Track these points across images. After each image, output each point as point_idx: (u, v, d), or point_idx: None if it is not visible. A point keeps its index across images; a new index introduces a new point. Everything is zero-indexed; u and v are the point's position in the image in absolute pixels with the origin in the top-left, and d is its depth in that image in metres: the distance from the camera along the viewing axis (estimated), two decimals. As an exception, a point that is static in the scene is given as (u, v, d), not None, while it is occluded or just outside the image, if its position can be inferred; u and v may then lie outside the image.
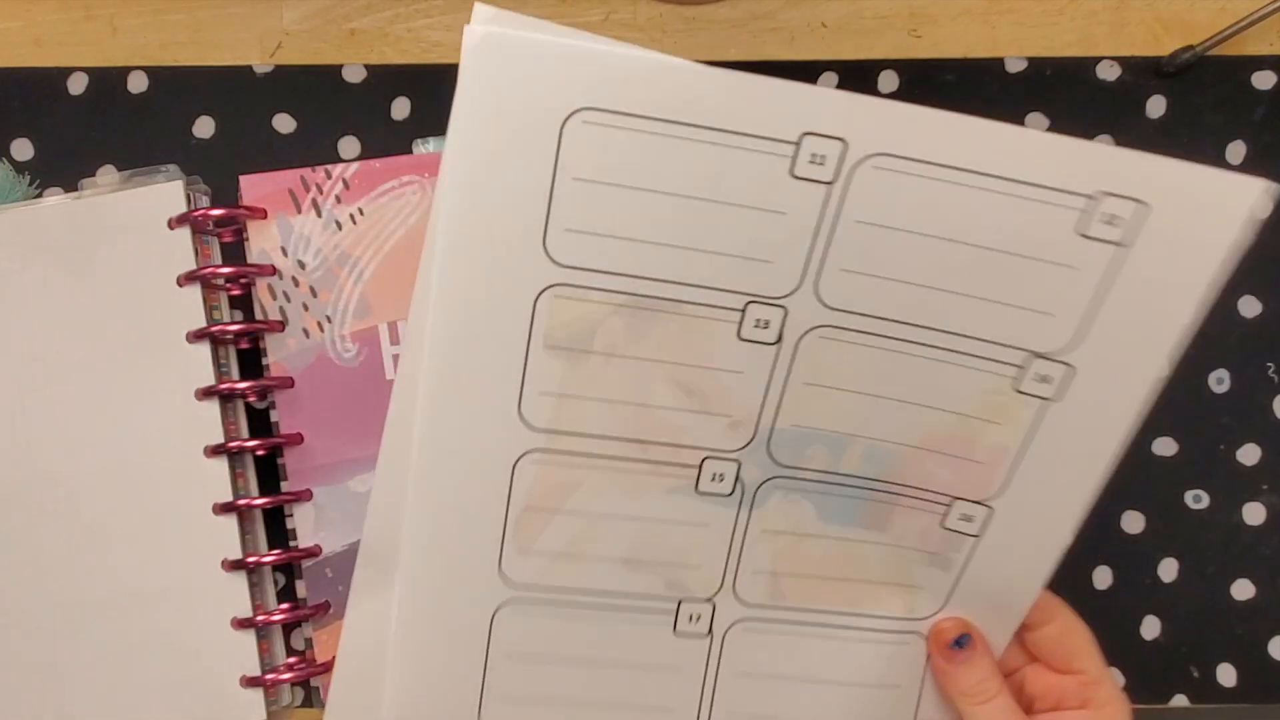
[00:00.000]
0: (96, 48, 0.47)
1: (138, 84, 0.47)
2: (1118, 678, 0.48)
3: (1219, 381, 0.49)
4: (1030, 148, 0.31)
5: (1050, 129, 0.49)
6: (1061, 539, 0.37)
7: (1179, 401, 0.49)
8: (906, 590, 0.38)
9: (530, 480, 0.35)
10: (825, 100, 0.31)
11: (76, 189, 0.44)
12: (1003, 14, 0.49)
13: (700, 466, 0.36)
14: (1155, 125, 0.49)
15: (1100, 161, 0.32)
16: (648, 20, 0.49)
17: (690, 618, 0.37)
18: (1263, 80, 0.49)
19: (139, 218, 0.43)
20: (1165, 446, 0.49)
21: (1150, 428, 0.49)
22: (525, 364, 0.34)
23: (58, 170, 0.47)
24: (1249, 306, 0.49)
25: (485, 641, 0.37)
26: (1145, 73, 0.49)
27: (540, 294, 0.33)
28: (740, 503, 0.36)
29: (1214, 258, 0.33)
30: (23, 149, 0.47)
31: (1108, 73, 0.49)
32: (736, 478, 0.36)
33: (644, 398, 0.35)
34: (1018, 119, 0.49)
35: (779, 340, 0.34)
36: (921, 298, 0.33)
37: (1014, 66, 0.49)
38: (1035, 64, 0.49)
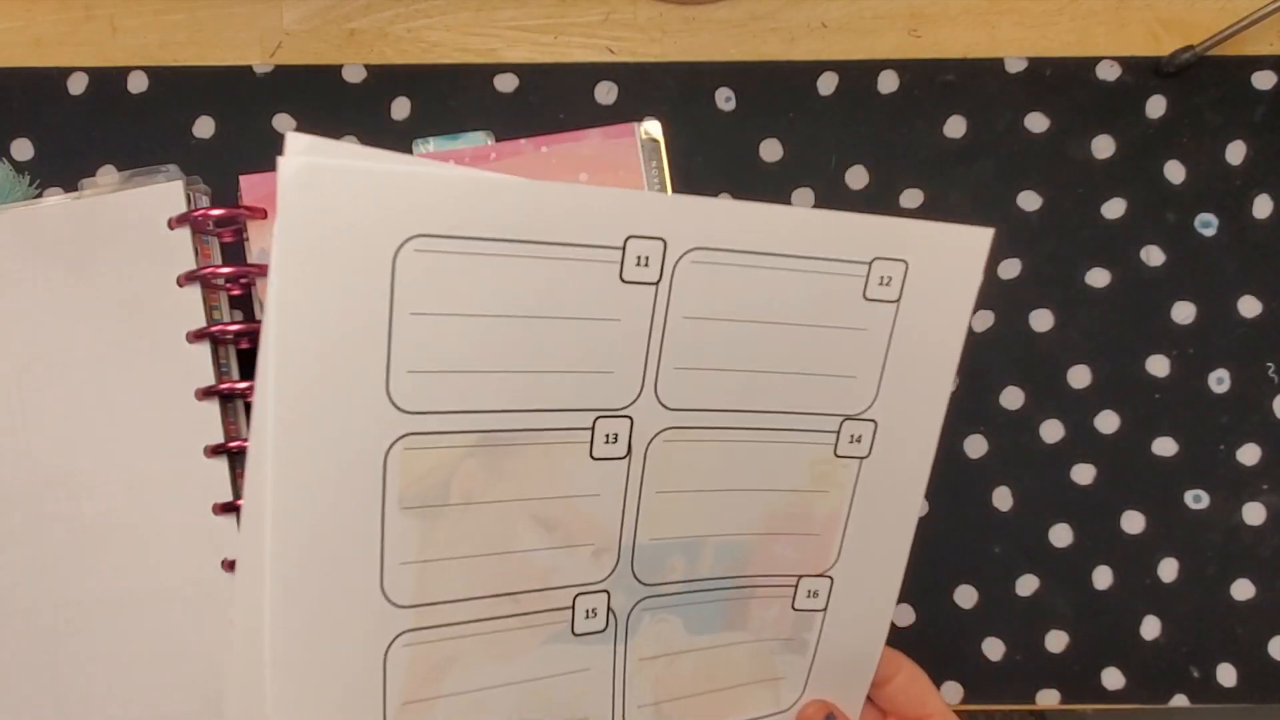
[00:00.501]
0: (96, 48, 0.47)
1: (138, 84, 0.47)
2: (1117, 678, 0.48)
3: (1219, 381, 0.49)
4: (816, 226, 0.34)
5: (1050, 129, 0.49)
6: (892, 591, 0.38)
7: (1179, 401, 0.49)
8: (771, 684, 0.39)
9: (404, 670, 0.33)
10: (643, 203, 0.32)
11: (76, 189, 0.44)
12: (1003, 14, 0.49)
13: (573, 605, 0.35)
14: (1155, 125, 0.49)
15: (870, 230, 0.34)
16: (648, 20, 0.49)
17: None
18: (1263, 80, 0.49)
19: (139, 218, 0.43)
20: (1165, 446, 0.49)
21: (1150, 428, 0.49)
22: (382, 532, 0.31)
23: (58, 170, 0.47)
24: (1249, 306, 0.49)
25: None
26: (1145, 73, 0.49)
27: (390, 448, 0.31)
28: (615, 636, 0.36)
29: (965, 299, 0.36)
30: (23, 149, 0.47)
31: (1108, 73, 0.49)
32: (608, 609, 0.36)
33: (507, 544, 0.33)
34: (1018, 119, 0.49)
35: (628, 453, 0.34)
36: (747, 383, 0.34)
37: (1014, 66, 0.49)
38: (1035, 64, 0.49)
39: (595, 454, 0.33)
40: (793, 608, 0.38)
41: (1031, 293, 0.49)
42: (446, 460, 0.32)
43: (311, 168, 0.28)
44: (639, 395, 0.33)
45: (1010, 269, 0.49)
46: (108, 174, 0.46)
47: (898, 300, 0.35)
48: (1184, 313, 0.49)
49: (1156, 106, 0.49)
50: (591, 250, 0.31)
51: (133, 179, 0.44)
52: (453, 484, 0.32)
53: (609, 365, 0.32)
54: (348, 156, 0.28)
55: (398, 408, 0.30)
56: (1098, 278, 0.49)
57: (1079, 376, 0.49)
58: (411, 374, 0.30)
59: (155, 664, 0.43)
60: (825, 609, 0.38)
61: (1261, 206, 0.49)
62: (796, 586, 0.38)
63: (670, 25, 0.49)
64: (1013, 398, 0.48)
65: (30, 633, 0.42)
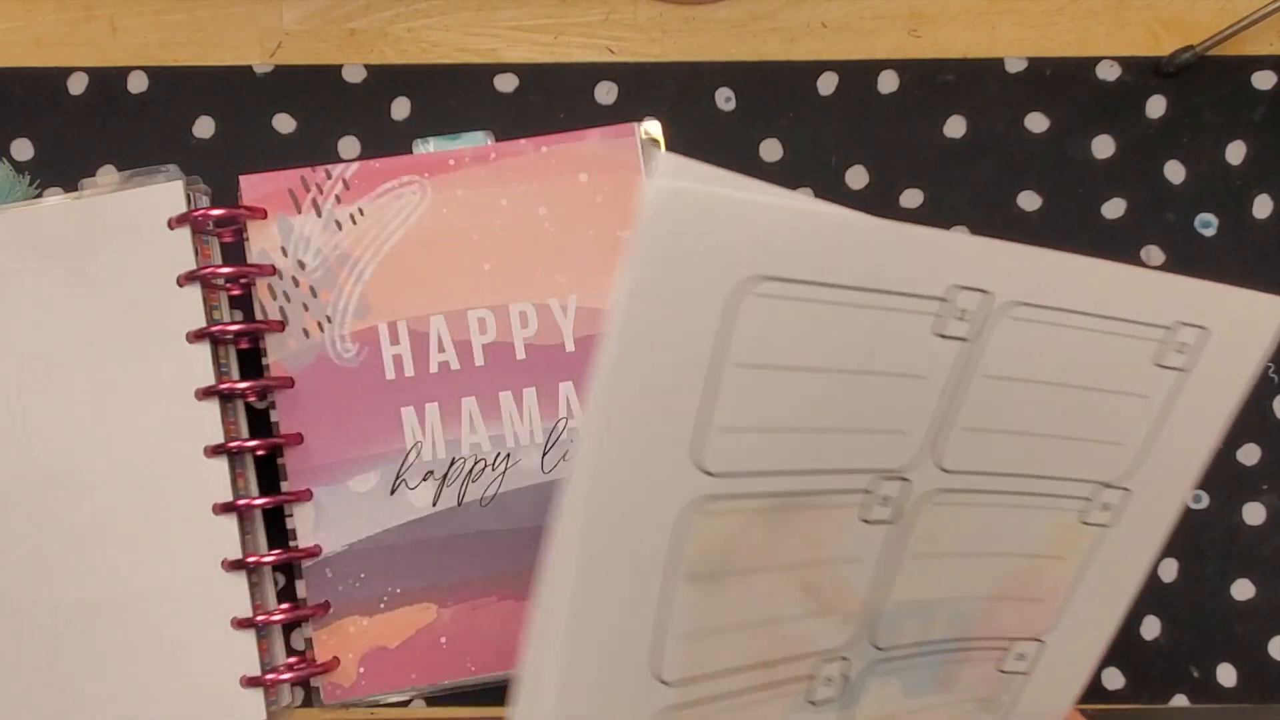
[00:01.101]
0: (96, 48, 0.47)
1: (138, 84, 0.47)
2: (1117, 678, 0.48)
3: (1219, 381, 0.49)
4: (1127, 283, 0.31)
5: (1050, 129, 0.49)
6: (1096, 656, 0.37)
7: (1179, 401, 0.49)
8: None
9: None
10: (972, 249, 0.29)
11: (76, 189, 0.44)
12: (1003, 14, 0.49)
13: (815, 674, 0.33)
14: (1155, 125, 0.49)
15: (1174, 291, 0.32)
16: (648, 20, 0.49)
17: None
18: (1263, 80, 0.49)
19: (139, 218, 0.43)
20: (1165, 446, 0.49)
21: (1150, 428, 0.49)
22: (663, 603, 0.29)
23: (58, 170, 0.47)
24: (1249, 306, 0.49)
25: None
26: (1145, 73, 0.49)
27: (688, 513, 0.28)
28: (844, 703, 0.34)
29: (1248, 373, 0.34)
30: (23, 149, 0.47)
31: (1108, 73, 0.49)
32: (843, 676, 0.34)
33: (772, 611, 0.32)
34: (1018, 119, 0.49)
35: (899, 517, 0.32)
36: (1026, 446, 0.32)
37: (1014, 66, 0.49)
38: (1035, 64, 0.49)
39: (866, 517, 0.31)
40: (999, 670, 0.36)
41: (1031, 293, 0.49)
42: (737, 525, 0.29)
43: (678, 192, 0.25)
44: (919, 456, 0.31)
45: (1010, 269, 0.49)
46: (108, 174, 0.46)
47: (1187, 370, 0.32)
48: (1184, 313, 0.49)
49: (1156, 106, 0.49)
50: (910, 300, 0.28)
51: (133, 179, 0.44)
52: (737, 551, 0.30)
53: (900, 424, 0.30)
54: (713, 181, 0.26)
55: (702, 470, 0.28)
56: (1098, 278, 0.49)
57: (1079, 376, 0.49)
58: (724, 431, 0.28)
59: (155, 664, 0.43)
60: (1028, 672, 0.36)
61: (1261, 206, 0.49)
62: (1008, 650, 0.36)
63: (670, 25, 0.49)
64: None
65: (30, 633, 0.42)
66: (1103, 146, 0.49)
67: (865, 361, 0.29)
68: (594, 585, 0.28)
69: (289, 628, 0.45)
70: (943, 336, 0.29)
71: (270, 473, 0.44)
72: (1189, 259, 0.49)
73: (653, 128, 0.45)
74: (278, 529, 0.44)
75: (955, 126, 0.49)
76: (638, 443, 0.27)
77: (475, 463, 0.44)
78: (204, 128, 0.47)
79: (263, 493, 0.44)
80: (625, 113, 0.48)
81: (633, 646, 0.29)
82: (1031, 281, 0.29)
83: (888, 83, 0.49)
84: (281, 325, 0.43)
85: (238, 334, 0.43)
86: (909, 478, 0.31)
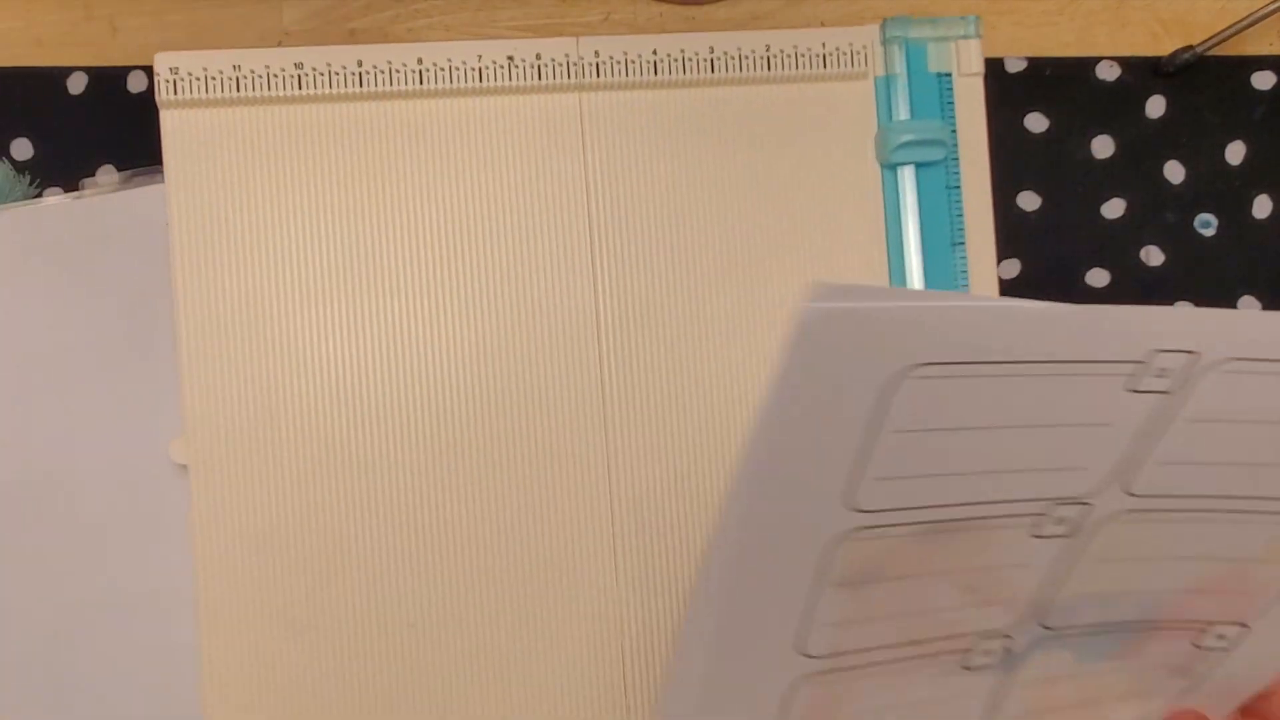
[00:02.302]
0: (96, 48, 0.47)
1: (138, 84, 0.47)
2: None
3: (1219, 381, 0.49)
4: None
5: (1050, 129, 0.49)
6: None
7: (1179, 401, 0.49)
8: (1142, 699, 0.37)
9: (801, 702, 0.33)
10: (1179, 319, 0.29)
11: (76, 189, 0.44)
12: (1003, 14, 0.49)
13: (970, 650, 0.33)
14: (1155, 125, 0.49)
15: None
16: (648, 20, 0.49)
17: None
18: (1263, 80, 0.49)
19: (139, 218, 0.43)
20: (1165, 446, 0.49)
21: (1150, 428, 0.49)
22: (812, 602, 0.31)
23: (58, 170, 0.47)
24: (1249, 307, 0.49)
25: None
26: (1145, 73, 0.49)
27: (841, 541, 0.30)
28: (1005, 669, 0.34)
29: None
30: (23, 149, 0.47)
31: (1107, 73, 0.49)
32: (1006, 650, 0.34)
33: (927, 605, 0.32)
34: (1017, 119, 0.49)
35: (1076, 532, 0.31)
36: (1232, 473, 0.31)
37: (1014, 66, 0.49)
38: (1035, 64, 0.49)
39: (1038, 534, 0.31)
40: (1194, 645, 0.36)
41: (1031, 293, 0.49)
42: (890, 545, 0.30)
43: (832, 313, 0.26)
44: (1102, 484, 0.30)
45: (1010, 269, 0.49)
46: (108, 174, 0.46)
47: None
48: (1184, 313, 0.49)
49: (1156, 106, 0.49)
50: (1103, 365, 0.28)
51: (133, 179, 0.44)
52: (888, 562, 0.30)
53: (1083, 464, 0.30)
54: (866, 299, 0.26)
55: (857, 509, 0.29)
56: (1098, 278, 0.49)
57: (1079, 376, 0.49)
58: (878, 480, 0.29)
59: (155, 664, 0.43)
60: (1229, 650, 0.36)
61: (1261, 206, 0.49)
62: (1206, 630, 0.35)
63: (670, 26, 0.49)
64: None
65: (30, 633, 0.42)
66: (1102, 146, 0.49)
67: (1041, 417, 0.28)
68: (742, 586, 0.30)
69: (289, 628, 0.45)
70: (1136, 392, 0.28)
71: (270, 473, 0.44)
72: (1189, 259, 0.49)
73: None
74: (278, 529, 0.44)
75: (955, 126, 0.49)
76: (786, 498, 0.28)
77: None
78: (204, 128, 0.47)
79: (263, 493, 0.44)
80: (625, 113, 0.48)
81: (778, 632, 0.31)
82: (1246, 341, 0.28)
83: (888, 83, 0.49)
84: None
85: (238, 334, 0.43)
86: (1091, 503, 0.30)
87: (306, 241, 0.42)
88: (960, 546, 0.31)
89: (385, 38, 0.48)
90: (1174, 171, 0.49)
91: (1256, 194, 0.49)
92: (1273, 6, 0.47)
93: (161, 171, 0.44)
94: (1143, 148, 0.49)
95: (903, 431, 0.28)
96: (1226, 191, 0.49)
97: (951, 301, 0.27)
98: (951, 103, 0.45)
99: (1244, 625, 0.35)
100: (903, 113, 0.45)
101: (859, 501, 0.29)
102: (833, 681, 0.33)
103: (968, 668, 0.34)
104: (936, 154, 0.44)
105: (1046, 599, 0.33)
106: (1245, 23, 0.47)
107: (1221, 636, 0.35)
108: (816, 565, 0.30)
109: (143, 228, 0.43)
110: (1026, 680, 0.35)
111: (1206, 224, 0.49)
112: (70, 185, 0.46)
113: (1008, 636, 0.33)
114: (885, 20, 0.45)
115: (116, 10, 0.48)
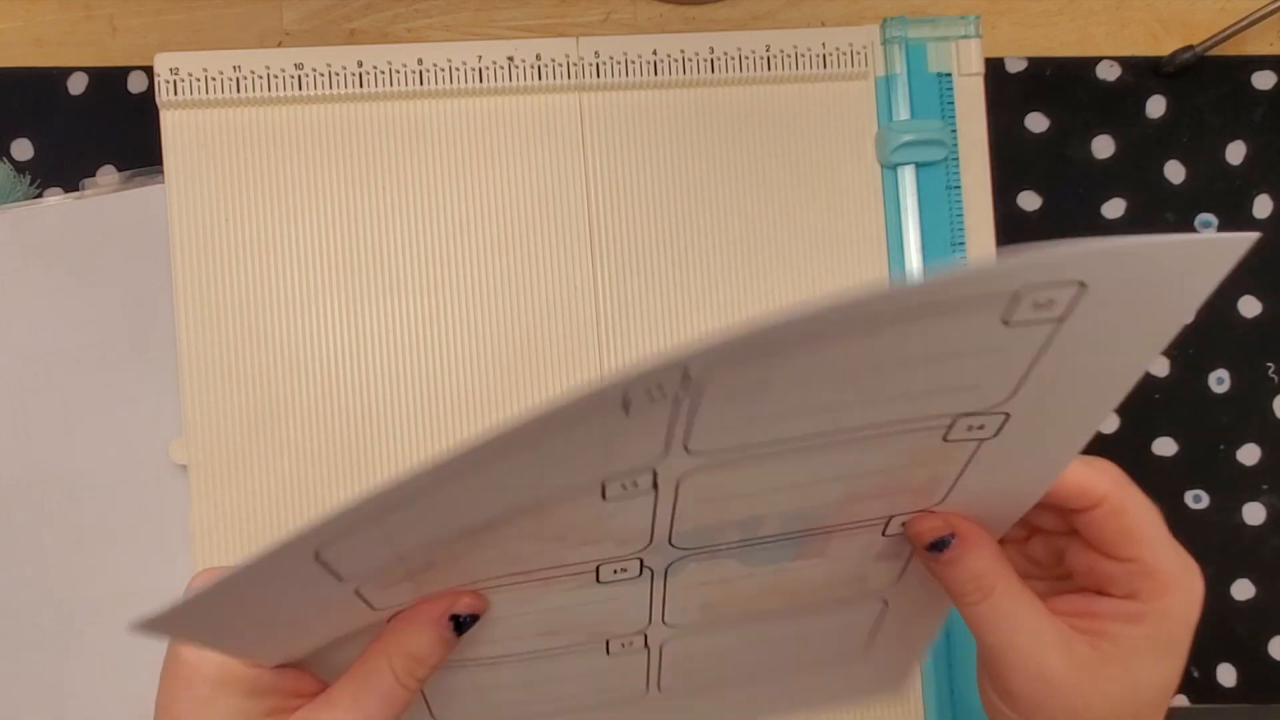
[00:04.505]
0: (96, 48, 0.47)
1: (138, 84, 0.47)
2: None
3: (1219, 381, 0.49)
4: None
5: (1050, 129, 0.49)
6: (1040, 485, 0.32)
7: (1179, 401, 0.49)
8: (858, 582, 0.36)
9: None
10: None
11: (76, 189, 0.44)
12: (1003, 14, 0.49)
13: (597, 571, 0.32)
14: (1155, 125, 0.49)
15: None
16: (648, 20, 0.49)
17: (622, 645, 0.35)
18: (1263, 80, 0.49)
19: (139, 218, 0.43)
20: (1165, 446, 0.49)
21: (1150, 428, 0.49)
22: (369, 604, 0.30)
23: (58, 170, 0.47)
24: (1249, 306, 0.49)
25: (421, 697, 0.35)
26: (1145, 73, 0.49)
27: (359, 589, 0.29)
28: (652, 579, 0.33)
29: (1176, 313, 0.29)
30: (23, 149, 0.47)
31: (1108, 73, 0.49)
32: (641, 566, 0.32)
33: (512, 556, 0.31)
34: (1017, 119, 0.49)
35: (654, 489, 0.29)
36: (825, 416, 0.28)
37: (1014, 66, 0.49)
38: (1035, 64, 0.49)
39: (608, 496, 0.29)
40: (884, 534, 0.33)
41: (1031, 293, 0.49)
42: (425, 557, 0.29)
43: (172, 616, 0.26)
44: (664, 452, 0.28)
45: (1010, 269, 0.49)
46: (108, 174, 0.46)
47: (1063, 319, 0.28)
48: (1184, 313, 0.49)
49: (1156, 106, 0.49)
50: (582, 421, 0.25)
51: (133, 179, 0.44)
52: (437, 557, 0.29)
53: (616, 457, 0.28)
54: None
55: (350, 579, 0.28)
56: (1098, 278, 0.49)
57: (1079, 376, 0.49)
58: (369, 569, 0.28)
59: (155, 664, 0.43)
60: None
61: (1261, 206, 0.49)
62: (889, 523, 0.33)
63: (670, 26, 0.49)
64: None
65: (30, 633, 0.42)
66: (1103, 146, 0.49)
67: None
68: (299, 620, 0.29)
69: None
70: (633, 415, 0.25)
71: (270, 473, 0.44)
72: (1189, 259, 0.49)
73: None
74: (278, 529, 0.44)
75: (955, 126, 0.49)
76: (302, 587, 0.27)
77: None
78: (204, 128, 0.47)
79: (263, 493, 0.44)
80: (625, 113, 0.48)
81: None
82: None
83: (888, 83, 0.49)
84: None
85: (238, 334, 0.43)
86: (655, 468, 0.28)
87: (306, 242, 0.42)
88: (520, 524, 0.29)
89: (385, 38, 0.48)
90: (1174, 171, 0.49)
91: (1256, 194, 0.49)
92: (1273, 6, 0.47)
93: (161, 171, 0.44)
94: (1143, 148, 0.49)
95: (363, 552, 0.27)
96: (1226, 191, 0.49)
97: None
98: (952, 103, 0.45)
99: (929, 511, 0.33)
100: (903, 113, 0.45)
101: (355, 576, 0.28)
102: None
103: (604, 582, 0.32)
104: (936, 154, 0.44)
105: (662, 535, 0.31)
106: (1245, 23, 0.47)
107: (905, 524, 0.33)
108: (358, 600, 0.29)
109: (143, 228, 0.43)
110: (691, 583, 0.34)
111: (1207, 224, 0.49)
112: (70, 185, 0.46)
113: (638, 559, 0.32)
114: (885, 20, 0.45)
115: (116, 10, 0.48)
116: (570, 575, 0.32)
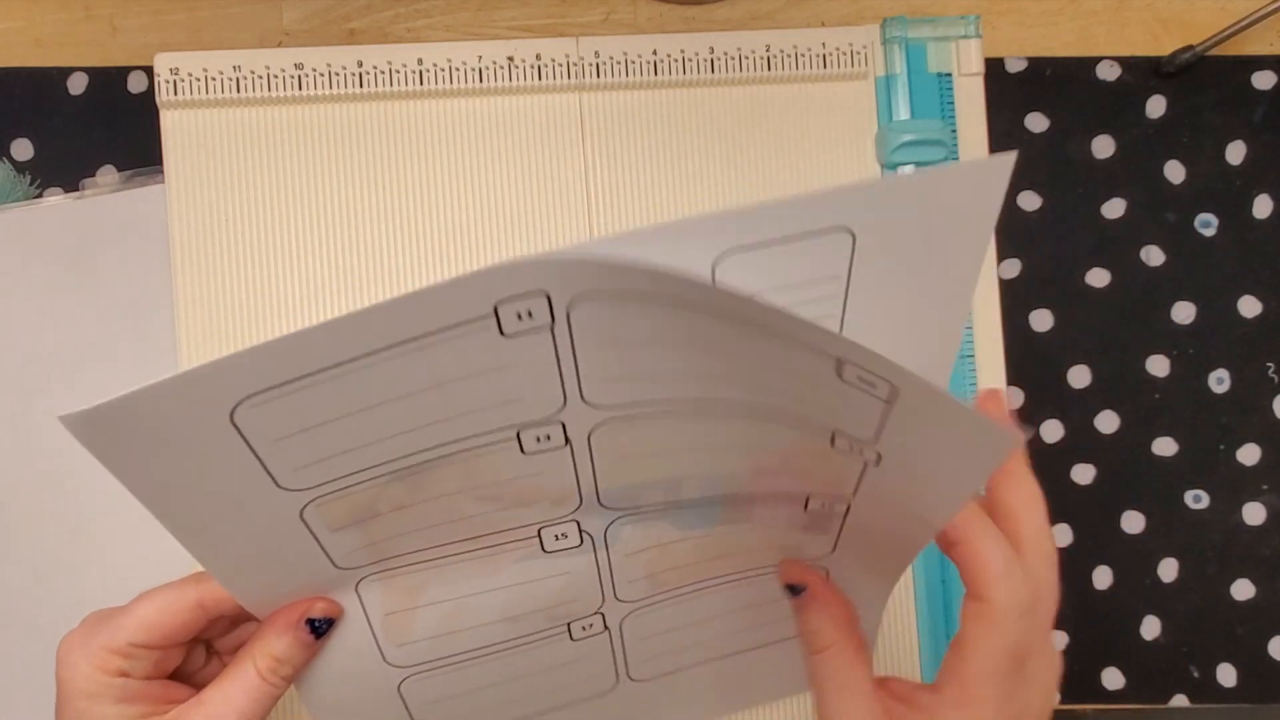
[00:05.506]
0: (96, 48, 0.47)
1: (138, 84, 0.47)
2: (1116, 678, 0.48)
3: (1219, 381, 0.49)
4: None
5: (1050, 129, 0.49)
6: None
7: (1179, 401, 0.49)
8: (789, 550, 0.37)
9: (378, 594, 0.34)
10: (504, 274, 0.27)
11: (76, 189, 0.44)
12: (1003, 14, 0.49)
13: (539, 535, 0.34)
14: (1155, 125, 0.49)
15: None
16: (648, 20, 0.49)
17: (583, 628, 0.37)
18: (1263, 80, 0.49)
19: (139, 218, 0.43)
20: (1165, 446, 0.49)
21: (1150, 428, 0.49)
22: (325, 544, 0.32)
23: (58, 170, 0.47)
24: (1249, 306, 0.49)
25: (403, 705, 0.37)
26: (1145, 73, 0.49)
27: (303, 511, 0.31)
28: (594, 547, 0.35)
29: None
30: (23, 149, 0.47)
31: (1108, 73, 0.49)
32: (580, 531, 0.34)
33: (453, 516, 0.33)
34: (1017, 119, 0.49)
35: (567, 443, 0.31)
36: (689, 382, 0.30)
37: (1014, 66, 0.49)
38: (1035, 64, 0.49)
39: (526, 450, 0.31)
40: (804, 509, 0.35)
41: (1031, 293, 0.49)
42: (364, 495, 0.31)
43: (94, 415, 0.29)
44: (564, 404, 0.30)
45: (1010, 269, 0.49)
46: (108, 174, 0.46)
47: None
48: (1184, 313, 0.49)
49: (1156, 106, 0.49)
50: (462, 326, 0.27)
51: (133, 179, 0.44)
52: (378, 501, 0.31)
53: (518, 395, 0.30)
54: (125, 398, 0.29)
55: (294, 489, 0.30)
56: (1098, 278, 0.49)
57: (1079, 376, 0.49)
58: (298, 470, 0.30)
59: (155, 664, 0.43)
60: (844, 515, 0.34)
61: (1261, 206, 0.49)
62: (809, 500, 0.34)
63: (670, 25, 0.49)
64: (1013, 398, 0.48)
65: (30, 633, 0.42)
66: (1103, 146, 0.49)
67: (435, 378, 0.28)
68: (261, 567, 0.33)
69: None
70: (511, 335, 0.28)
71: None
72: (1189, 259, 0.49)
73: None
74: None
75: (955, 126, 0.49)
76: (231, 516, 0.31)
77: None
78: (204, 128, 0.47)
79: (263, 493, 0.44)
80: (625, 113, 0.48)
81: (313, 565, 0.33)
82: (581, 277, 0.27)
83: (888, 83, 0.49)
84: (281, 325, 0.43)
85: (238, 334, 0.43)
86: (562, 420, 0.30)
87: (306, 242, 0.42)
88: (448, 474, 0.31)
89: (385, 38, 0.48)
90: (1174, 171, 0.49)
91: (1256, 194, 0.49)
92: (1273, 6, 0.47)
93: (161, 171, 0.44)
94: (1143, 148, 0.49)
95: (282, 439, 0.29)
96: (1226, 191, 0.49)
97: (241, 354, 0.27)
98: (952, 103, 0.45)
99: (845, 502, 0.34)
100: (903, 113, 0.45)
101: (292, 484, 0.30)
102: (398, 575, 0.34)
103: (549, 552, 0.34)
104: (936, 154, 0.45)
105: (589, 493, 0.33)
106: (1245, 23, 0.47)
107: (824, 505, 0.34)
108: (305, 530, 0.31)
109: (143, 228, 0.43)
110: (631, 550, 0.35)
111: (1206, 224, 0.49)
112: (70, 185, 0.46)
113: (575, 521, 0.34)
114: (885, 20, 0.45)
115: (116, 10, 0.48)
116: (516, 544, 0.34)
